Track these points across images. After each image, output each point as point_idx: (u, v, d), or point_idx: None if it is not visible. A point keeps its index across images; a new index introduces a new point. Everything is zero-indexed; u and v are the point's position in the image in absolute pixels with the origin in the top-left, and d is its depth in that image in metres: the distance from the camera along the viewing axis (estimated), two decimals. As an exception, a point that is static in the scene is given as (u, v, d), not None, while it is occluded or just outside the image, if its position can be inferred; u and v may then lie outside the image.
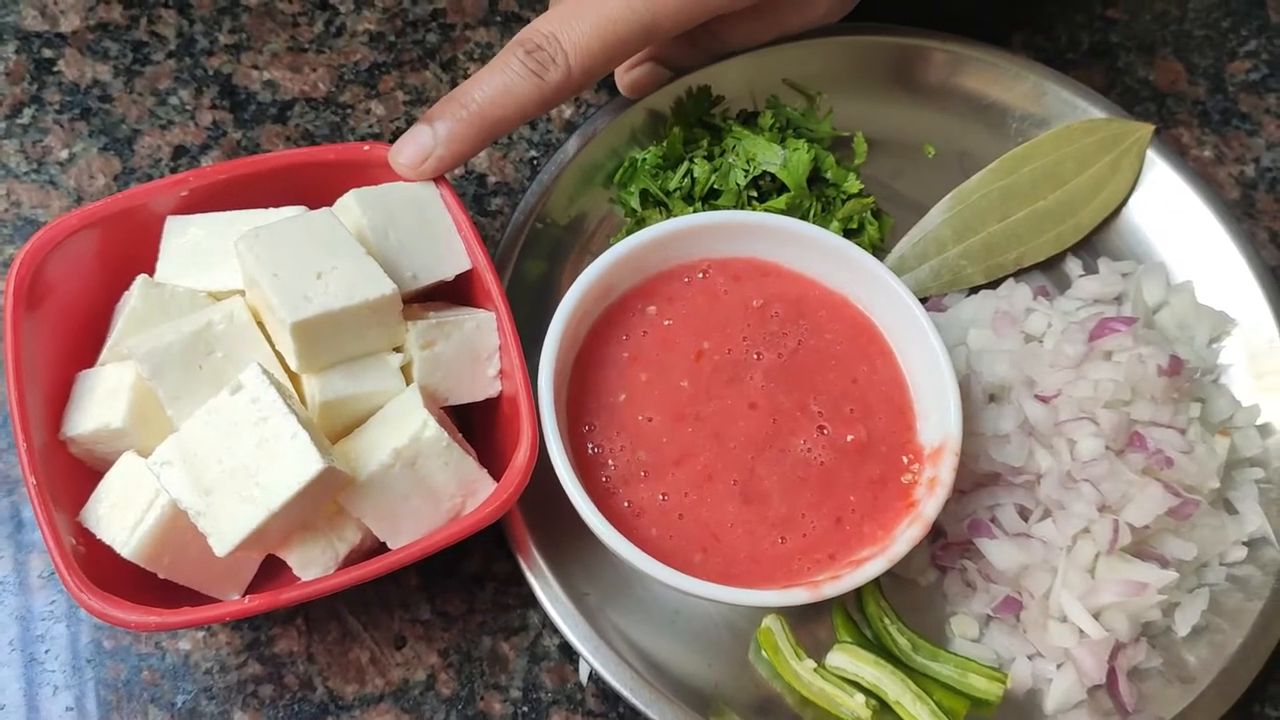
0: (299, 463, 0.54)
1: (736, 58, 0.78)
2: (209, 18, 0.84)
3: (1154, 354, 0.69)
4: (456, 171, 0.80)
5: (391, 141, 0.79)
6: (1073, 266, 0.78)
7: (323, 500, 0.57)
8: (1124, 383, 0.68)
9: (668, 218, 0.70)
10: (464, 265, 0.65)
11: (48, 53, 0.82)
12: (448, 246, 0.65)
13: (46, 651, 0.65)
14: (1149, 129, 0.79)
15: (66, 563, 0.56)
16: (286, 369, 0.60)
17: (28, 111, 0.79)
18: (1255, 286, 0.76)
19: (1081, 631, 0.65)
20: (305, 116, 0.81)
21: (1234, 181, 0.85)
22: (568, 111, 0.83)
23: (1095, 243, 0.79)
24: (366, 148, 0.67)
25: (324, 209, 0.61)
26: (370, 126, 0.81)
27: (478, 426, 0.66)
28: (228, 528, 0.54)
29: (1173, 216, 0.79)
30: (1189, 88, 0.88)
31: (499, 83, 0.64)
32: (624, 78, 0.75)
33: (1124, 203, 0.80)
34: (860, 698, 0.64)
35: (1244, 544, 0.70)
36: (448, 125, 0.64)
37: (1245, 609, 0.68)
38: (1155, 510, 0.65)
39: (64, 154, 0.78)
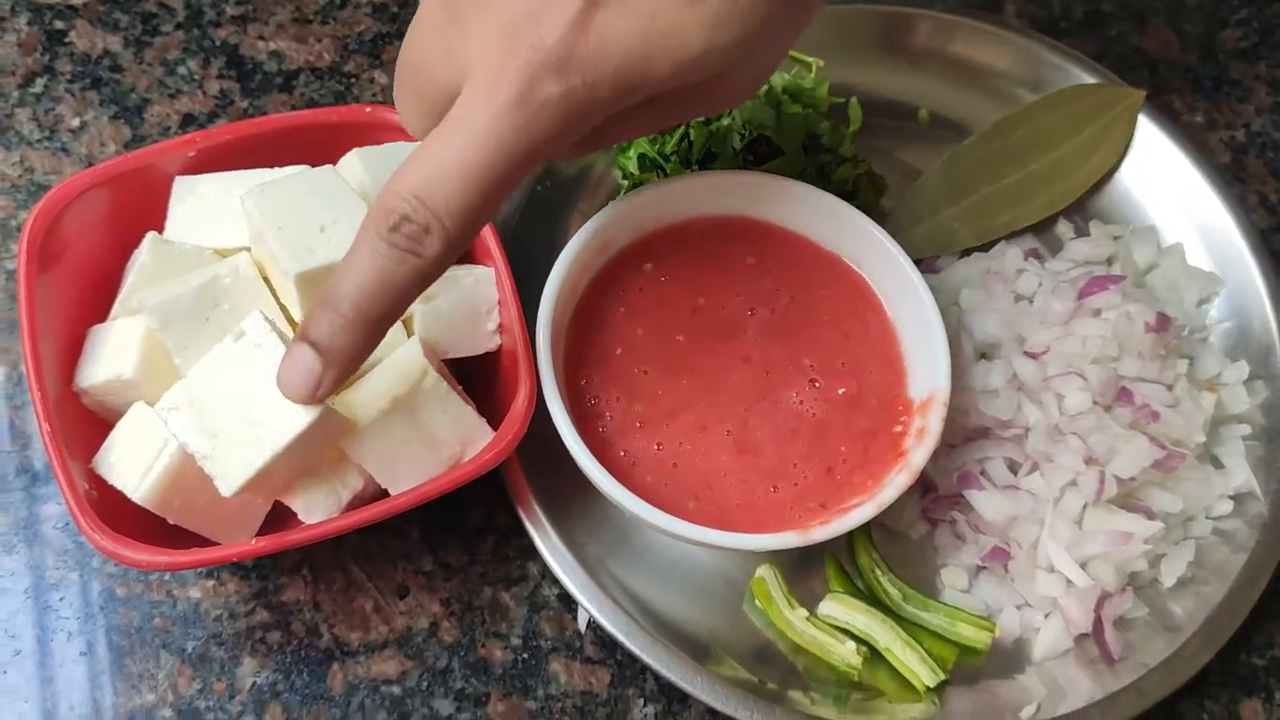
0: (301, 405, 0.55)
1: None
2: (216, -11, 0.85)
3: (1142, 311, 0.70)
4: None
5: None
6: (1064, 229, 0.80)
7: (325, 444, 0.59)
8: (1111, 339, 0.69)
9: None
10: None
11: (59, 24, 0.83)
12: None
13: (60, 599, 0.67)
14: (1141, 95, 0.80)
15: (80, 506, 0.58)
16: (291, 321, 0.61)
17: (40, 81, 0.81)
18: (1244, 249, 0.77)
19: (1069, 581, 0.67)
20: (310, 86, 0.83)
21: (1224, 146, 0.86)
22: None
23: (1087, 206, 0.80)
24: (369, 110, 0.69)
25: (327, 166, 0.62)
26: (374, 95, 0.83)
27: (477, 382, 0.68)
28: (234, 469, 0.55)
29: (1164, 181, 0.80)
30: (1181, 55, 0.89)
31: (371, 272, 0.51)
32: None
33: (1116, 167, 0.81)
34: (851, 645, 0.65)
35: (1230, 498, 0.71)
36: (327, 337, 0.53)
37: (1230, 561, 0.69)
38: (1141, 463, 0.67)
39: (75, 122, 0.80)
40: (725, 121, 0.76)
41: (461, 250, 0.53)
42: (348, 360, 0.54)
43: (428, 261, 0.51)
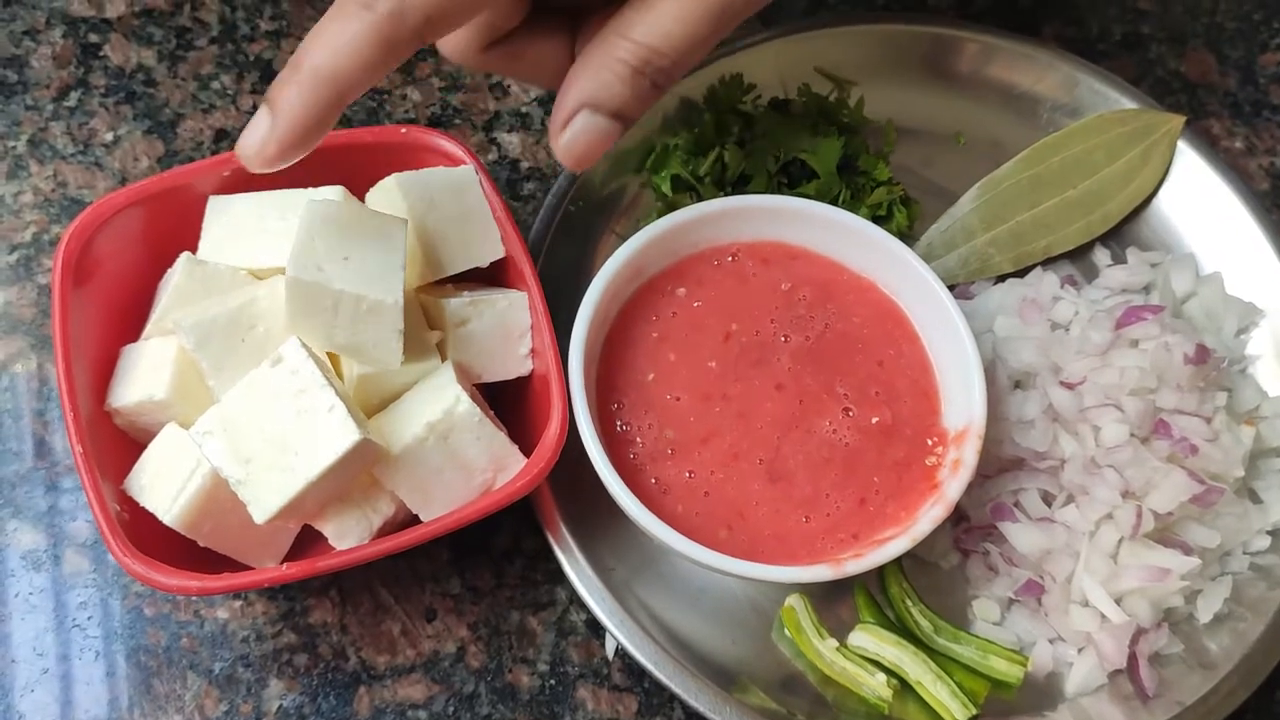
0: (336, 434, 0.55)
1: (769, 44, 0.79)
2: (251, 4, 0.85)
3: (1180, 342, 0.69)
4: (489, 157, 0.82)
5: (428, 125, 0.82)
6: (1101, 256, 0.79)
7: (358, 472, 0.58)
8: (1150, 370, 0.68)
9: (698, 202, 0.71)
10: (498, 253, 0.66)
11: (94, 37, 0.84)
12: (484, 232, 0.66)
13: (89, 618, 0.67)
14: (1180, 120, 0.79)
15: (111, 528, 0.58)
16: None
17: (74, 95, 0.82)
18: (1285, 278, 0.76)
19: (1103, 616, 0.66)
20: (343, 101, 0.83)
21: (1264, 173, 0.85)
22: (600, 98, 0.84)
23: (1124, 233, 0.79)
24: (404, 130, 0.68)
25: (400, 218, 0.61)
26: (406, 111, 0.83)
27: (509, 405, 0.67)
28: (267, 496, 0.55)
29: (1202, 207, 0.79)
30: (1220, 79, 0.88)
31: (323, 29, 0.52)
32: (560, 141, 0.58)
33: (1154, 193, 0.80)
34: (881, 677, 0.65)
35: (1268, 533, 0.70)
36: (280, 93, 0.52)
37: (1268, 598, 0.68)
38: (1179, 497, 0.66)
39: (109, 136, 0.80)
40: (759, 144, 0.76)
41: (418, 23, 0.51)
42: (295, 118, 0.52)
43: (381, 17, 0.51)
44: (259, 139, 0.53)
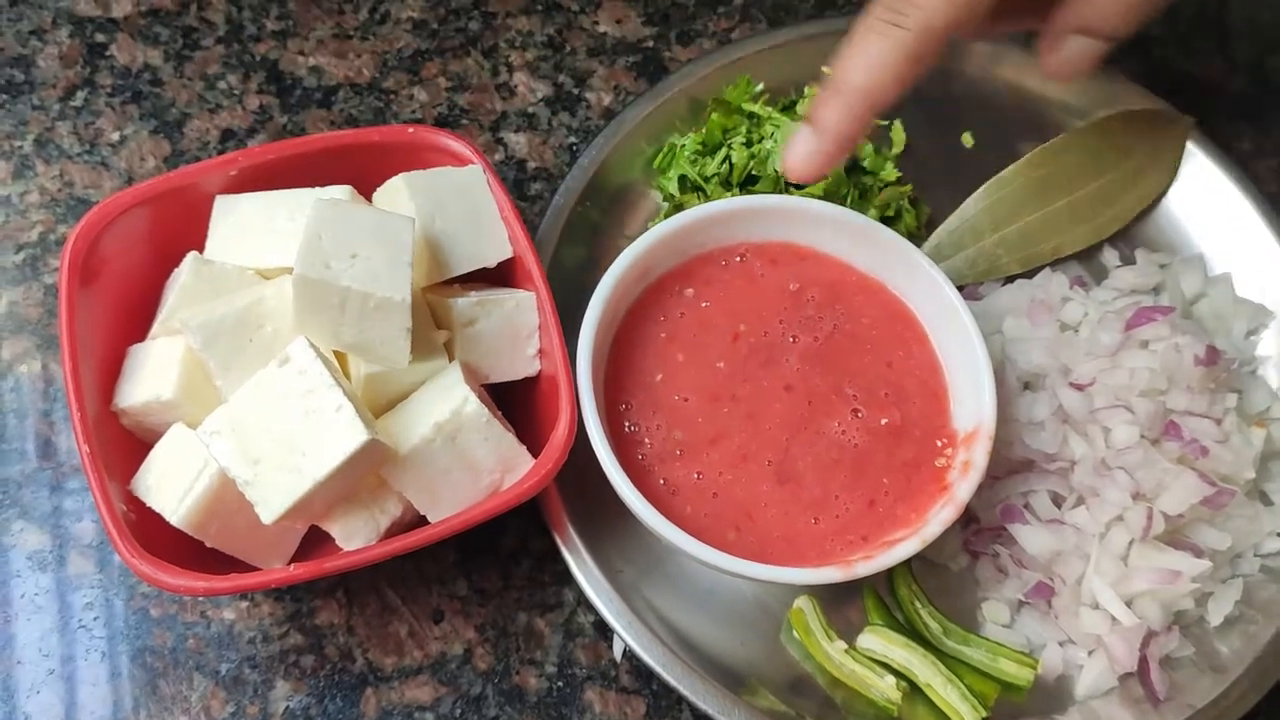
0: (344, 434, 0.55)
1: (777, 45, 0.79)
2: (257, 4, 0.85)
3: (1191, 344, 0.69)
4: (496, 157, 0.82)
5: (435, 125, 0.81)
6: (1110, 257, 0.78)
7: (365, 472, 0.58)
8: (1160, 371, 0.68)
9: (705, 203, 0.71)
10: (506, 252, 0.66)
11: (100, 37, 0.83)
12: (492, 232, 0.66)
13: (95, 619, 0.67)
14: (1189, 121, 0.79)
15: (119, 529, 0.57)
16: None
17: (81, 94, 0.81)
18: (1294, 279, 0.76)
19: (1114, 619, 0.66)
20: (349, 102, 0.83)
21: (1273, 174, 0.84)
22: (607, 99, 0.84)
23: (1133, 234, 0.79)
24: (411, 130, 0.68)
25: (408, 217, 0.61)
26: (413, 112, 0.83)
27: (517, 406, 0.67)
28: (274, 496, 0.55)
29: (1211, 208, 0.79)
30: (1229, 80, 0.87)
31: (856, 50, 0.59)
32: (1050, 60, 0.66)
33: (1163, 194, 0.80)
34: (890, 679, 0.64)
35: (1278, 535, 0.70)
36: (822, 112, 0.60)
37: (1279, 600, 0.68)
38: (1189, 499, 0.66)
39: (115, 136, 0.80)
40: (767, 145, 0.76)
41: (941, 38, 0.58)
42: (839, 133, 0.60)
43: (910, 34, 0.57)
44: (806, 153, 0.61)
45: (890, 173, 0.78)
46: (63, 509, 0.69)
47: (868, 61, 0.58)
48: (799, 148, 0.61)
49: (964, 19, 0.58)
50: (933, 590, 0.68)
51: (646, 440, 0.65)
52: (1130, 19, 0.62)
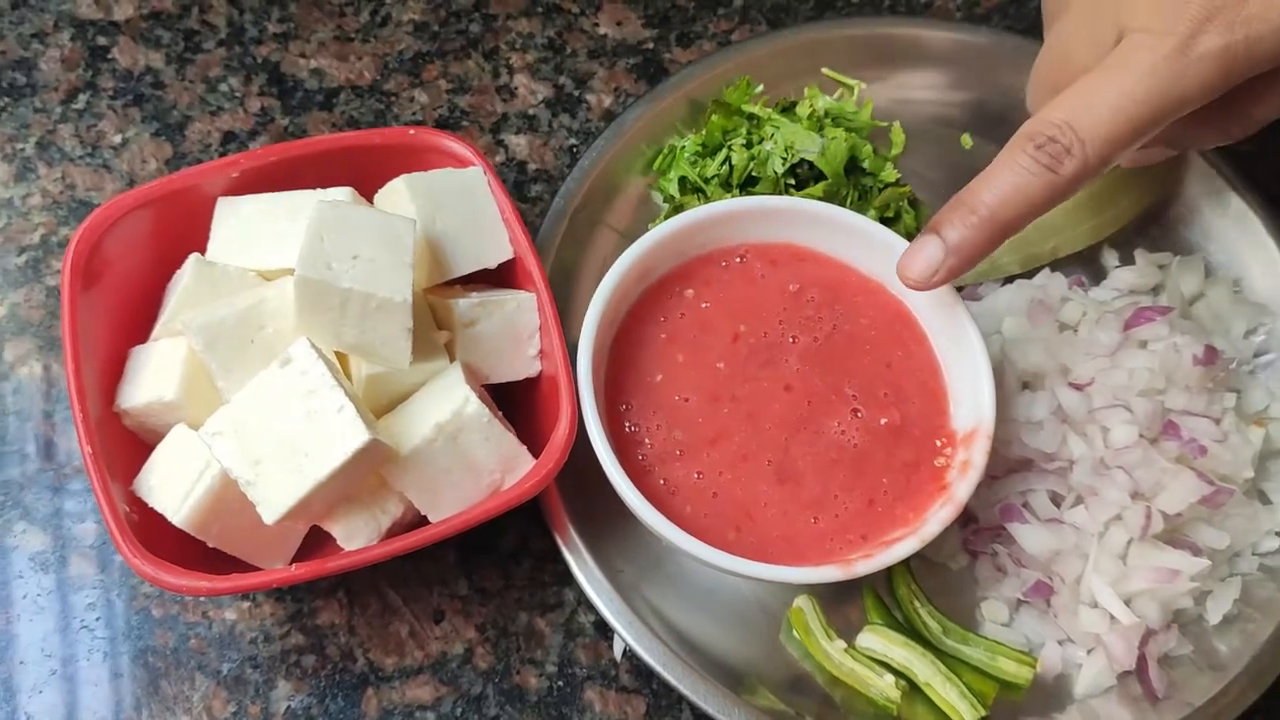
0: (345, 435, 0.55)
1: (777, 46, 0.79)
2: (258, 7, 0.85)
3: (1189, 343, 0.69)
4: (497, 159, 0.82)
5: (435, 127, 0.82)
6: (1109, 258, 0.79)
7: (367, 472, 0.58)
8: (1158, 371, 0.68)
9: (705, 204, 0.71)
10: (507, 254, 0.66)
11: (102, 40, 0.84)
12: (492, 234, 0.66)
13: (97, 619, 0.67)
14: (1187, 121, 0.79)
15: (121, 529, 0.58)
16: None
17: (82, 97, 0.82)
18: (1293, 280, 0.76)
19: (1112, 617, 0.66)
20: (351, 104, 0.83)
21: (1272, 175, 0.84)
22: (607, 101, 0.84)
23: (1132, 234, 0.79)
24: (412, 132, 0.68)
25: (409, 218, 0.61)
26: (414, 114, 0.83)
27: (517, 406, 0.67)
28: (276, 496, 0.55)
29: (1211, 209, 0.79)
30: (1228, 81, 0.87)
31: (1008, 182, 0.59)
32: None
33: (1162, 195, 0.80)
34: (890, 678, 0.65)
35: (1277, 534, 0.70)
36: (957, 233, 0.60)
37: (1277, 599, 0.68)
38: (1188, 498, 0.66)
39: (117, 139, 0.81)
40: (767, 146, 0.76)
41: (1092, 178, 0.58)
42: (969, 253, 0.60)
43: (1063, 179, 0.58)
44: (929, 265, 0.61)
45: (890, 174, 0.78)
46: (65, 510, 0.69)
47: (1015, 198, 0.59)
48: (922, 255, 0.61)
49: (1113, 160, 0.59)
50: (932, 589, 0.68)
51: (646, 440, 0.65)
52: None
